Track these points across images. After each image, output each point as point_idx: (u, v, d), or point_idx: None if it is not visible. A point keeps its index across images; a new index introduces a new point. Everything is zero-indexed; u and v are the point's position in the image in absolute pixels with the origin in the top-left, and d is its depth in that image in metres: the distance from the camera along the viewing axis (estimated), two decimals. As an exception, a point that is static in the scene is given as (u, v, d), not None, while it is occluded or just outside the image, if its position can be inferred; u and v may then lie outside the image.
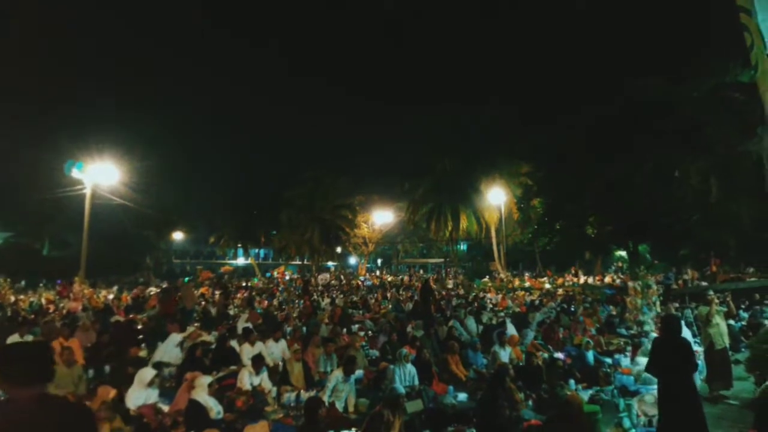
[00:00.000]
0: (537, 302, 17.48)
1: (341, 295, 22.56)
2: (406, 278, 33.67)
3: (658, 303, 13.99)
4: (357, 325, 13.92)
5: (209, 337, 10.12)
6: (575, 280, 27.44)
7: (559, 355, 9.28)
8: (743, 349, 10.37)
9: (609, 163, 23.81)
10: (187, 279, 30.77)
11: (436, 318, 13.33)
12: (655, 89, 23.42)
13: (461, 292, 23.90)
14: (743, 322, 13.15)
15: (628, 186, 23.73)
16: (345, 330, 12.36)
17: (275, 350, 9.27)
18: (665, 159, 23.68)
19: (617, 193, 24.08)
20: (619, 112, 24.50)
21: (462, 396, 7.58)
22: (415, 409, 6.38)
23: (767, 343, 7.51)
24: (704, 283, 20.62)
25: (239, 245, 47.73)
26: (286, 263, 43.76)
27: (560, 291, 22.20)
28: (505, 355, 8.93)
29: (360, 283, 30.09)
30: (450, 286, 27.12)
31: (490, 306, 17.93)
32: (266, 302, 19.66)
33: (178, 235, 47.51)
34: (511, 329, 10.98)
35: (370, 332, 12.94)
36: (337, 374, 6.97)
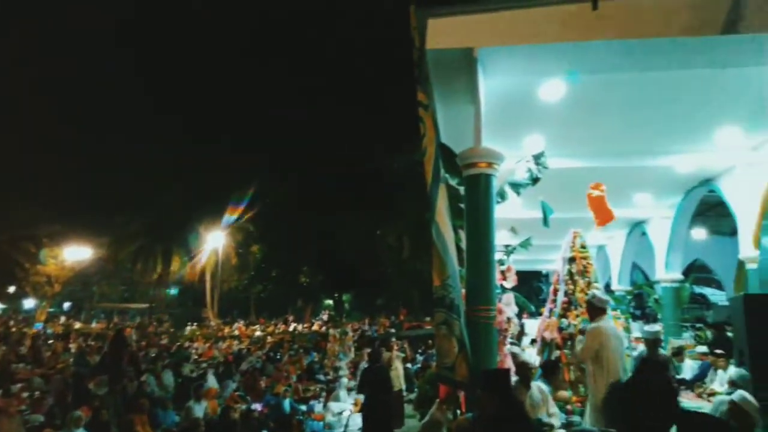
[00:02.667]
0: (245, 351, 17.21)
1: (3, 347, 18.12)
2: (97, 325, 29.30)
3: (353, 349, 15.34)
4: (19, 384, 11.26)
5: None
6: (285, 327, 28.13)
7: (257, 405, 9.16)
8: (415, 389, 12.03)
9: (322, 219, 25.86)
10: None
11: (127, 372, 11.78)
12: (367, 160, 26.88)
13: (165, 341, 21.94)
14: (418, 365, 15.39)
15: (337, 241, 26.04)
16: (1, 391, 9.86)
17: None
18: (369, 219, 26.89)
19: (327, 246, 26.16)
20: (336, 175, 27.18)
21: (143, 462, 6.71)
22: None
23: (430, 384, 8.80)
24: (392, 330, 23.63)
25: None
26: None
27: (270, 339, 22.38)
28: (200, 409, 8.34)
29: (34, 330, 24.82)
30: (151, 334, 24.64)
31: (195, 357, 16.86)
32: None
33: None
34: (212, 381, 10.44)
35: (37, 393, 10.63)
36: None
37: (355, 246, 29.23)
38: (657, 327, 7.03)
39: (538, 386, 5.11)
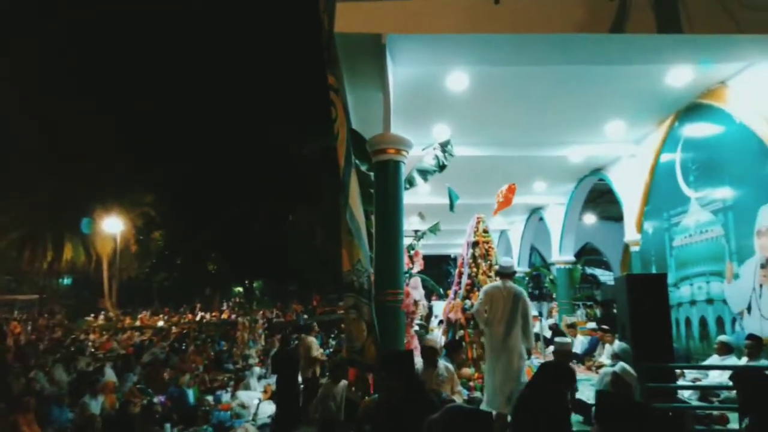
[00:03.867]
0: (147, 342, 16.34)
1: None
2: (-23, 320, 26.45)
3: (263, 337, 15.10)
4: None
5: None
6: (191, 317, 27.05)
7: (160, 398, 8.77)
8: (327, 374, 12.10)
9: (231, 204, 25.08)
10: None
11: (11, 369, 10.80)
12: (278, 144, 26.32)
13: (58, 334, 20.30)
14: (330, 349, 15.47)
15: (247, 227, 25.37)
16: None
17: None
18: (281, 206, 26.43)
19: (237, 233, 25.42)
20: (246, 160, 26.39)
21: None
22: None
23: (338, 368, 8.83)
24: (305, 316, 23.53)
25: None
26: None
27: (175, 329, 21.41)
28: (96, 405, 7.84)
29: None
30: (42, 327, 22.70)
31: (92, 349, 15.77)
32: None
33: None
34: (110, 375, 9.81)
35: None
36: None
37: (267, 233, 28.65)
38: (567, 339, 6.81)
39: (445, 365, 5.32)
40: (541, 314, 13.60)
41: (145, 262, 32.36)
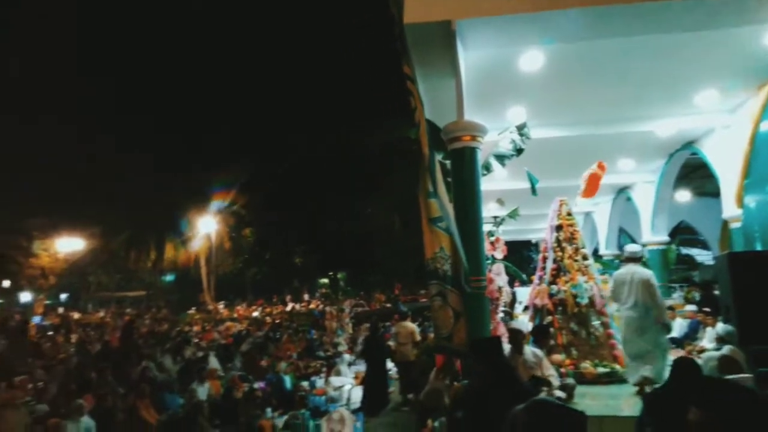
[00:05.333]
0: (244, 332, 17.41)
1: (4, 341, 18.22)
2: (96, 315, 29.40)
3: (350, 325, 15.59)
4: (21, 377, 11.39)
5: None
6: (282, 308, 28.40)
7: (260, 384, 9.37)
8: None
9: (312, 199, 26.05)
10: None
11: (129, 359, 11.96)
12: (349, 140, 27.00)
13: (164, 327, 22.12)
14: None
15: (328, 221, 26.24)
16: (5, 384, 10.01)
17: None
18: (359, 199, 27.08)
19: (319, 226, 26.37)
20: (322, 156, 27.26)
21: (151, 444, 6.91)
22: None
23: (427, 354, 9.01)
24: (388, 305, 23.96)
25: None
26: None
27: (268, 319, 22.62)
28: (203, 391, 8.54)
29: (33, 324, 24.89)
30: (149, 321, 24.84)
31: (196, 340, 17.05)
32: None
33: None
34: (213, 363, 10.64)
35: (40, 383, 10.80)
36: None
37: (346, 226, 29.44)
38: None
39: (532, 350, 5.30)
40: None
41: (238, 258, 34.38)
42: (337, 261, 32.87)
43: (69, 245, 34.61)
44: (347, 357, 11.86)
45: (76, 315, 30.87)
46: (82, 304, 40.38)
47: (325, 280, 37.91)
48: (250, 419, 6.91)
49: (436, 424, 5.15)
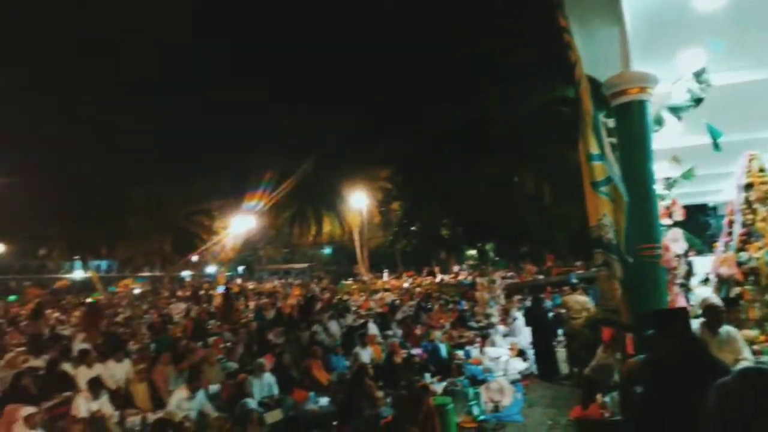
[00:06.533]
0: (397, 302, 18.12)
1: (196, 306, 21.23)
2: (269, 285, 32.80)
3: (502, 296, 15.35)
4: (214, 337, 13.17)
5: (38, 362, 8.91)
6: (431, 279, 28.97)
7: (417, 351, 9.70)
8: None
9: (455, 170, 25.81)
10: (13, 297, 26.68)
11: (299, 324, 13.16)
12: (493, 106, 25.98)
13: (327, 296, 23.96)
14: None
15: (473, 192, 25.83)
16: (201, 343, 11.68)
17: (117, 372, 8.41)
18: (504, 167, 26.21)
19: (463, 198, 26.10)
20: (461, 125, 26.73)
21: (323, 401, 7.55)
22: (275, 419, 6.23)
23: (590, 328, 8.53)
24: (541, 277, 23.13)
25: (76, 257, 42.43)
26: (134, 275, 40.01)
27: (418, 290, 23.25)
28: (366, 355, 9.10)
29: (219, 293, 28.65)
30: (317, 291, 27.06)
31: (354, 308, 18.18)
32: (106, 320, 17.75)
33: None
34: (373, 329, 11.26)
35: (228, 344, 12.39)
36: (178, 393, 6.60)
37: (492, 196, 28.77)
38: None
39: (727, 329, 4.68)
40: None
41: (387, 231, 35.77)
42: (485, 232, 32.41)
43: (242, 223, 39.08)
44: (501, 328, 11.73)
45: (250, 285, 34.77)
46: (256, 275, 45.44)
47: (473, 252, 37.76)
48: (410, 383, 7.19)
49: (607, 399, 4.85)
